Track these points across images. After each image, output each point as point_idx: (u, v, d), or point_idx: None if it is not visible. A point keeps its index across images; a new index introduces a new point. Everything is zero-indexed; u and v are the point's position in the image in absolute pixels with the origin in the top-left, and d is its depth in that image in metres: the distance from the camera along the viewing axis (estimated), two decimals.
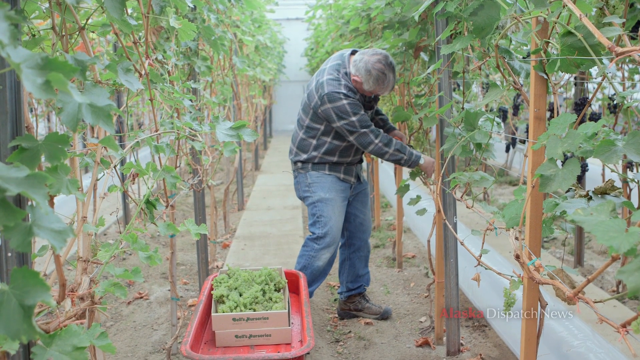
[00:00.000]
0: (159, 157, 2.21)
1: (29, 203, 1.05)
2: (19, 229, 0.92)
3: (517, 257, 1.77)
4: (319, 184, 3.43)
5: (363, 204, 3.64)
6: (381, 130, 3.29)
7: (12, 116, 1.14)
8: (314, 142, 3.38)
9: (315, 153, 3.39)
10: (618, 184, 3.27)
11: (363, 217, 3.65)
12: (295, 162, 3.51)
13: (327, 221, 3.39)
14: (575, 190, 1.68)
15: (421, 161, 3.27)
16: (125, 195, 4.71)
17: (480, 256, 2.18)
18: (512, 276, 1.91)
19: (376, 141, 3.23)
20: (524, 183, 1.95)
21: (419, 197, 3.21)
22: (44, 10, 1.77)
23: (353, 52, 3.34)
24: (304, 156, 3.43)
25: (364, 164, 5.20)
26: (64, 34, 1.57)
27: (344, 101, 3.17)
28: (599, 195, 1.56)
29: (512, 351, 3.01)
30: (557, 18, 1.59)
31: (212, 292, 2.84)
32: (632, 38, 1.66)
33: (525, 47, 2.39)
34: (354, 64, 3.21)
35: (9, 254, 1.11)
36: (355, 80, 3.21)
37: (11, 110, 1.13)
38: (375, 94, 3.34)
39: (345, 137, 3.28)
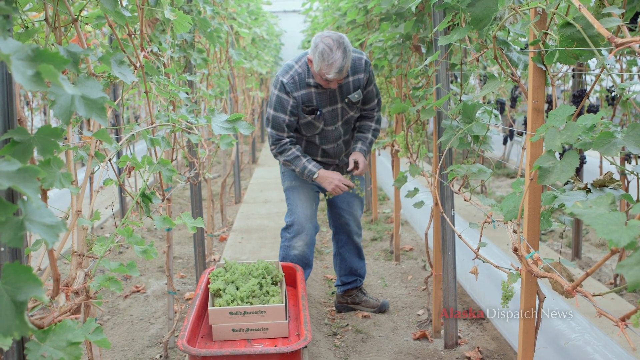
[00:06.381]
0: (155, 150, 2.20)
1: (21, 197, 1.03)
2: (10, 223, 0.91)
3: (515, 250, 1.76)
4: (287, 172, 3.43)
5: (349, 204, 3.51)
6: (288, 141, 3.20)
7: (4, 109, 1.12)
8: None
9: None
10: (616, 176, 3.25)
11: (348, 218, 3.53)
12: None
13: (294, 209, 3.35)
14: (573, 182, 1.67)
15: (315, 176, 3.22)
16: (121, 188, 4.69)
17: (478, 249, 2.17)
18: (510, 269, 1.90)
19: (272, 147, 3.23)
20: (522, 175, 1.94)
21: (416, 190, 3.20)
22: (37, 2, 1.75)
23: None
24: None
25: None
26: (57, 25, 1.55)
27: (275, 91, 3.16)
28: (598, 188, 1.55)
29: (509, 344, 3.01)
30: (556, 9, 1.57)
31: (209, 285, 2.83)
32: (631, 29, 1.65)
33: (523, 39, 2.38)
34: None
35: (1, 249, 1.10)
36: (309, 59, 3.07)
37: (2, 103, 1.12)
38: (328, 78, 3.01)
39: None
